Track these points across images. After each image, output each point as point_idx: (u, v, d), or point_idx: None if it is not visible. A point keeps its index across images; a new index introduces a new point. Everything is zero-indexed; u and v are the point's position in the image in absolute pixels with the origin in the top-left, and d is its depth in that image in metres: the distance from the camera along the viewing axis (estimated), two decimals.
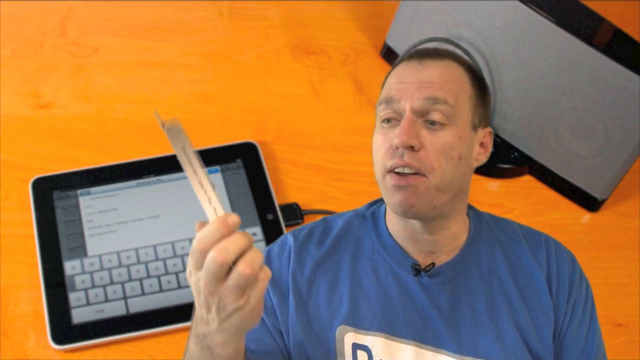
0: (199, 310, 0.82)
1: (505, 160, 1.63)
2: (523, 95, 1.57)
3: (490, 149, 1.07)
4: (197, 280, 0.78)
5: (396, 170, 0.98)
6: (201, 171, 0.78)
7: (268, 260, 1.06)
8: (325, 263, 1.05)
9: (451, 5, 1.59)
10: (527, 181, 1.65)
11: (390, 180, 0.98)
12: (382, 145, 1.00)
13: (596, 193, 1.58)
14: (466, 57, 1.06)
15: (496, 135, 1.63)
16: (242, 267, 0.76)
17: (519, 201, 1.61)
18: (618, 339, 1.44)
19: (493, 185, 1.63)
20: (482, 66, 1.58)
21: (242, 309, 0.79)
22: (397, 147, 0.97)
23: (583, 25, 1.49)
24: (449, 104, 0.99)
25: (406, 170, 0.97)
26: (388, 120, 1.01)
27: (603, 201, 1.60)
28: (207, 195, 0.78)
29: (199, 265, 0.77)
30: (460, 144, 1.00)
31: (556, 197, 1.63)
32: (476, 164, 1.05)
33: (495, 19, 1.54)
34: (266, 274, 0.79)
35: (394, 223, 1.06)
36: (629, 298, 1.49)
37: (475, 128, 1.03)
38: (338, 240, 1.07)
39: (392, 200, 0.99)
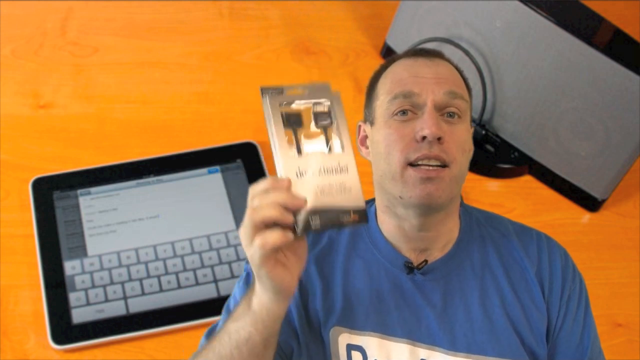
0: None
1: (505, 160, 1.63)
2: (523, 95, 1.57)
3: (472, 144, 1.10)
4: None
5: (420, 163, 0.97)
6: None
7: None
8: (320, 261, 1.04)
9: (451, 5, 1.59)
10: (527, 181, 1.65)
11: (416, 173, 0.97)
12: (399, 139, 0.99)
13: (596, 193, 1.58)
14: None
15: (496, 135, 1.63)
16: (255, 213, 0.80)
17: (519, 201, 1.61)
18: (618, 339, 1.44)
19: (493, 185, 1.63)
20: (482, 66, 1.58)
21: (249, 252, 0.82)
22: (423, 139, 0.97)
23: (583, 25, 1.49)
24: (464, 99, 1.02)
25: (432, 163, 0.97)
26: (403, 112, 1.00)
27: (603, 201, 1.60)
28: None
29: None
30: (469, 137, 1.02)
31: (556, 197, 1.63)
32: None
33: (495, 19, 1.54)
34: (277, 235, 0.80)
35: (386, 222, 1.05)
36: (629, 298, 1.49)
37: (471, 124, 1.06)
38: (331, 240, 1.07)
39: (416, 192, 0.97)
